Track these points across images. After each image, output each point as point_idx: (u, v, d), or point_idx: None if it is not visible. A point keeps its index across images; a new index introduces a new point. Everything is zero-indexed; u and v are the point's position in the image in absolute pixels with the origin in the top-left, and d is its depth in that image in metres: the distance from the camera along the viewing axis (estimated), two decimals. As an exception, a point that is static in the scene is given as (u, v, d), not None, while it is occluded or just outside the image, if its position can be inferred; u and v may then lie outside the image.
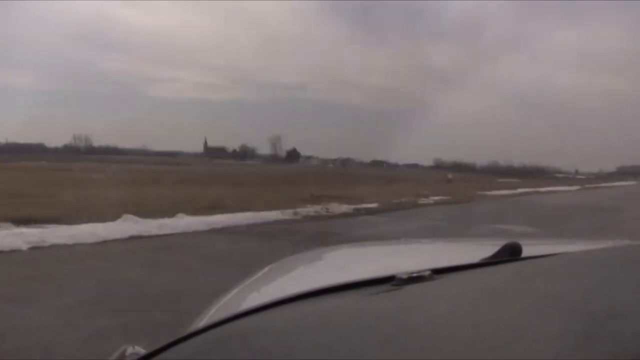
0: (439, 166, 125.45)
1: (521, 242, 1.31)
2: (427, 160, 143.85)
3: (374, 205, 21.08)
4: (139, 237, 11.94)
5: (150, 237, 12.14)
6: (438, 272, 1.11)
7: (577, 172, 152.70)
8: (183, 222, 13.77)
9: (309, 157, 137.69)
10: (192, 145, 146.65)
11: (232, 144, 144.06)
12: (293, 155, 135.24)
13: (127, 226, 12.46)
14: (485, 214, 19.86)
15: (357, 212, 19.04)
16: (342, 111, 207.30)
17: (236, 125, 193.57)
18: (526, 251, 1.28)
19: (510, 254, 1.26)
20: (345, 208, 19.43)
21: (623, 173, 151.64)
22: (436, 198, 26.27)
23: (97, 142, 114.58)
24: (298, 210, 17.68)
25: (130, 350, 1.09)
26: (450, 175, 49.92)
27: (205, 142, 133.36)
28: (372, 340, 0.80)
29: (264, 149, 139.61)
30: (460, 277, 1.15)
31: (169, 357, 0.95)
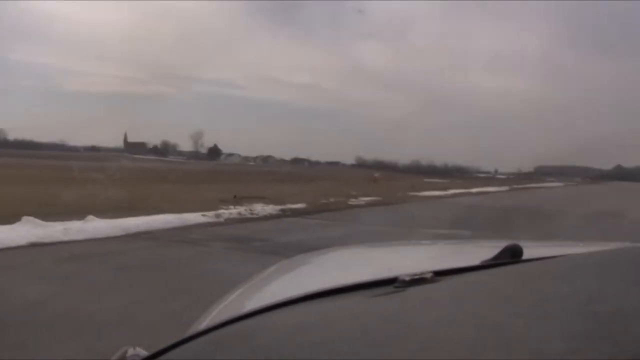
0: (360, 164, 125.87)
1: (522, 244, 1.30)
2: (348, 159, 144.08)
3: (301, 206, 19.98)
4: (40, 245, 10.36)
5: (52, 244, 10.57)
6: (440, 273, 1.12)
7: (496, 171, 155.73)
8: (92, 226, 12.20)
9: (230, 155, 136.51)
10: (112, 140, 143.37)
11: (154, 140, 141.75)
12: (214, 152, 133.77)
13: (25, 231, 10.84)
14: (422, 217, 18.89)
15: (284, 214, 17.91)
16: (264, 108, 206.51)
17: (158, 121, 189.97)
18: (527, 253, 1.27)
19: (512, 256, 1.25)
20: (270, 209, 18.23)
21: (542, 173, 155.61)
22: (366, 199, 25.21)
23: (12, 136, 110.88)
24: (220, 211, 16.41)
25: (131, 351, 1.09)
26: (376, 174, 49.26)
27: (125, 137, 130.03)
28: (375, 342, 0.81)
29: (186, 146, 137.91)
30: (462, 279, 1.14)
31: (170, 359, 0.95)
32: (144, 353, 1.05)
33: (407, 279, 1.08)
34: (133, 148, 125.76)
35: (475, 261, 1.29)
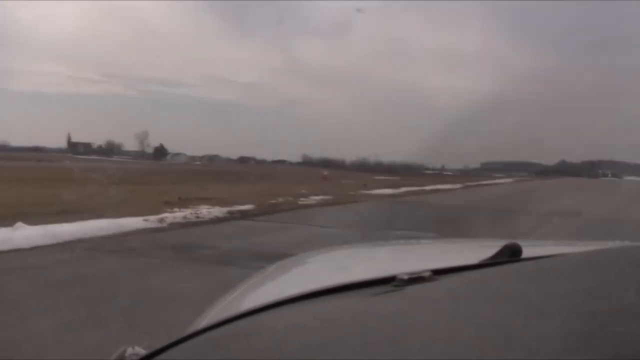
0: (306, 162, 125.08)
1: (521, 242, 1.32)
2: (294, 157, 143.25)
3: (249, 207, 18.85)
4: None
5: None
6: (438, 272, 1.13)
7: (443, 168, 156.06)
8: (21, 234, 10.89)
9: (177, 154, 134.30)
10: (56, 140, 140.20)
11: (99, 140, 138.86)
12: (160, 151, 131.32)
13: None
14: (380, 217, 17.99)
15: (232, 216, 16.77)
16: (210, 107, 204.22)
17: (104, 120, 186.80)
18: (526, 252, 1.29)
19: (511, 254, 1.27)
20: (217, 212, 17.07)
21: (488, 169, 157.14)
22: (317, 198, 24.14)
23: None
24: (164, 215, 15.23)
25: (130, 350, 1.09)
26: (325, 173, 48.32)
27: (69, 137, 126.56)
28: (373, 341, 0.82)
29: (132, 145, 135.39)
30: (461, 277, 1.16)
31: (169, 358, 0.97)
32: (142, 352, 1.05)
33: (406, 277, 1.08)
34: (77, 148, 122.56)
35: (474, 260, 1.29)
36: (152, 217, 14.56)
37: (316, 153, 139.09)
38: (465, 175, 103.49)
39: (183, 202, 18.41)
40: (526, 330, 0.74)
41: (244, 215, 17.23)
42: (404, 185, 37.60)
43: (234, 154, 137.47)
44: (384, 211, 20.44)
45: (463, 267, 1.24)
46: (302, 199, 23.41)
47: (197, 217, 16.00)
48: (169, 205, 17.48)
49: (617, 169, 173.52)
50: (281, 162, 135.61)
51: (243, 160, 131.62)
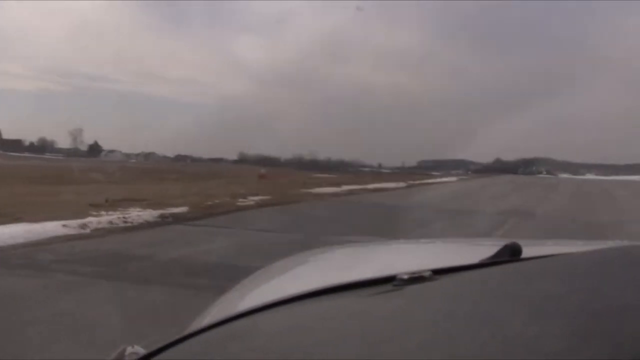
0: (243, 160, 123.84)
1: (521, 242, 1.31)
2: (231, 155, 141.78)
3: (183, 209, 17.18)
4: None
5: None
6: (438, 272, 1.12)
7: (380, 166, 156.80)
8: None
9: (111, 151, 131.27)
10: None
11: (31, 136, 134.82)
12: (95, 149, 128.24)
13: None
14: (326, 220, 16.72)
15: (163, 221, 15.09)
16: (146, 104, 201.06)
17: (37, 117, 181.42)
18: (526, 252, 1.28)
19: (511, 254, 1.26)
20: (148, 215, 15.37)
21: (424, 167, 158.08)
22: (256, 198, 22.48)
23: None
24: (87, 220, 13.38)
25: (129, 350, 1.10)
26: (263, 171, 46.59)
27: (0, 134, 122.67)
28: (373, 341, 0.82)
29: (65, 142, 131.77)
30: (461, 277, 1.15)
31: (168, 357, 0.97)
32: (142, 351, 1.05)
33: (406, 277, 1.07)
34: (8, 145, 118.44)
35: (474, 259, 1.27)
36: (73, 222, 12.75)
37: (253, 151, 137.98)
38: (403, 173, 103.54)
39: (111, 204, 16.69)
40: (526, 329, 0.74)
41: (177, 219, 15.58)
42: (345, 184, 36.20)
43: (171, 152, 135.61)
44: (331, 212, 19.06)
45: (463, 266, 1.21)
46: (240, 199, 21.79)
47: (125, 221, 14.23)
48: (96, 207, 15.69)
49: (551, 166, 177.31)
50: (218, 160, 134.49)
51: (179, 158, 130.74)
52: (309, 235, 13.14)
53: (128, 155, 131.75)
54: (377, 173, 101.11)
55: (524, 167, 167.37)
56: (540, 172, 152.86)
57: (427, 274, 1.08)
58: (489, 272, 1.18)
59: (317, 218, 17.01)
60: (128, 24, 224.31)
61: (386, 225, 15.27)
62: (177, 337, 1.01)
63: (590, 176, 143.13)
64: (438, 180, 63.01)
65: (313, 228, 14.42)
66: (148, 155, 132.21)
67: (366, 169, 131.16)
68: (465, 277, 1.15)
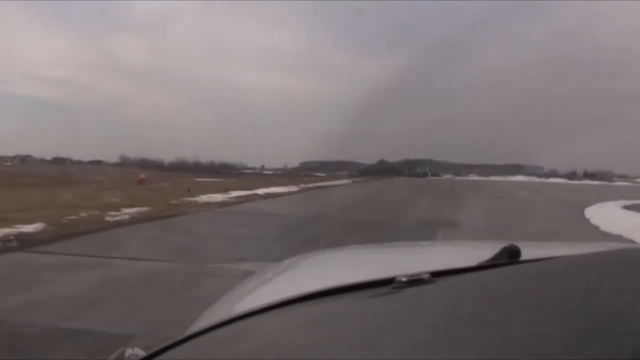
0: (125, 163, 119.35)
1: (520, 244, 1.29)
2: (112, 157, 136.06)
3: (37, 227, 13.24)
4: None
5: None
6: (437, 274, 1.12)
7: (263, 167, 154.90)
8: None
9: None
10: None
11: None
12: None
13: None
14: (217, 239, 13.13)
15: (4, 246, 11.06)
16: (23, 104, 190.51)
17: None
18: (525, 254, 1.27)
19: (509, 256, 1.25)
20: (-12, 237, 11.33)
21: (308, 168, 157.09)
22: (131, 210, 18.33)
23: None
24: None
25: (129, 351, 1.10)
26: (142, 175, 42.29)
27: None
28: (372, 343, 0.81)
29: None
30: (460, 279, 1.14)
31: (168, 359, 0.97)
32: (142, 353, 1.06)
33: (405, 279, 1.07)
34: None
35: (473, 262, 1.27)
36: None
37: (134, 153, 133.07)
38: (286, 174, 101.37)
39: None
40: (525, 332, 0.73)
41: (23, 242, 11.56)
42: (232, 189, 32.35)
43: (49, 154, 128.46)
44: (222, 229, 15.05)
45: (462, 269, 1.20)
46: (112, 212, 17.63)
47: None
48: None
49: (433, 167, 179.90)
50: (98, 162, 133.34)
51: (58, 160, 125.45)
52: (199, 263, 9.92)
53: (3, 158, 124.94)
54: (262, 175, 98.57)
55: (409, 168, 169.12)
56: (426, 174, 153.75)
57: (426, 276, 1.08)
58: (487, 275, 1.14)
59: (206, 238, 13.37)
60: (1, 23, 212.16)
61: (294, 245, 12.07)
62: (176, 339, 1.01)
63: (474, 177, 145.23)
64: (330, 183, 58.71)
65: (202, 253, 11.07)
66: (24, 158, 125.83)
67: (249, 171, 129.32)
68: (464, 279, 1.13)
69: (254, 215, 18.92)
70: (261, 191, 32.46)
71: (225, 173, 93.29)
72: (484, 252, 1.33)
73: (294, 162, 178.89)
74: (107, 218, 16.44)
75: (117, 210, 18.32)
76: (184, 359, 0.97)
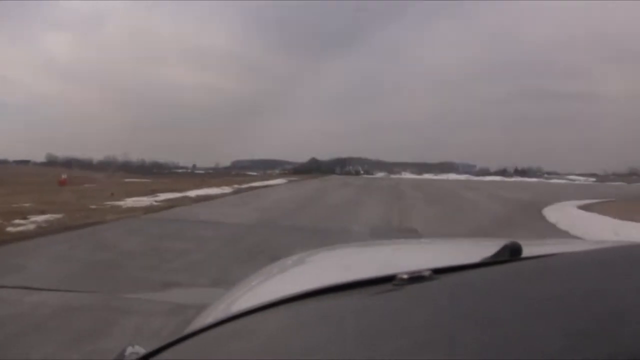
0: (52, 162, 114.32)
1: (521, 242, 1.27)
2: (39, 156, 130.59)
3: None
4: None
5: None
6: (439, 271, 1.10)
7: (194, 166, 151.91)
8: None
9: None
10: None
11: None
12: None
13: None
14: (136, 259, 10.22)
15: None
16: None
17: None
18: (526, 251, 1.25)
19: (511, 254, 1.23)
20: None
21: (238, 167, 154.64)
22: (41, 218, 15.46)
23: None
24: None
25: (130, 349, 1.10)
26: (64, 176, 38.97)
27: None
28: (373, 340, 0.81)
29: None
30: (461, 276, 1.12)
31: (169, 357, 0.97)
32: (142, 351, 1.05)
33: (406, 276, 1.05)
34: None
35: (474, 259, 1.24)
36: None
37: (63, 152, 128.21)
38: (218, 174, 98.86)
39: None
40: (526, 329, 0.73)
41: None
42: (161, 191, 29.25)
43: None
44: (144, 244, 11.92)
45: (463, 266, 1.17)
46: (17, 220, 14.75)
47: None
48: None
49: (365, 165, 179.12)
50: (25, 162, 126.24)
51: None
52: (112, 292, 7.44)
53: None
54: (194, 175, 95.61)
55: (341, 166, 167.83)
56: (359, 172, 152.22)
57: (427, 273, 1.06)
58: (489, 272, 1.13)
59: (124, 255, 10.50)
60: None
61: (232, 263, 9.67)
62: (176, 337, 1.01)
63: (408, 175, 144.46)
64: (264, 182, 53.92)
65: (118, 277, 8.47)
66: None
67: (181, 170, 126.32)
68: (465, 276, 1.11)
69: (184, 224, 15.68)
70: (192, 193, 29.08)
71: (156, 173, 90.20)
72: (485, 249, 1.28)
73: (225, 161, 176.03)
74: (9, 228, 13.52)
75: (25, 217, 15.42)
76: (184, 358, 0.96)
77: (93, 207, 19.95)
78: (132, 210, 19.47)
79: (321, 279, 1.24)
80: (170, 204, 22.41)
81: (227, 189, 35.44)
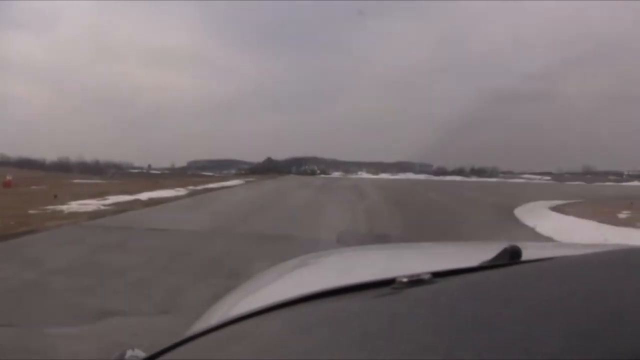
0: (4, 163, 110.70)
1: (520, 245, 1.25)
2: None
3: None
4: None
5: None
6: (438, 275, 1.10)
7: (150, 167, 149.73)
8: None
9: None
10: None
11: None
12: None
13: None
14: (67, 277, 8.30)
15: None
16: None
17: None
18: (526, 254, 1.23)
19: (510, 257, 1.21)
20: None
21: (194, 167, 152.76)
22: None
23: None
24: None
25: (129, 353, 1.08)
26: (9, 177, 36.58)
27: None
28: (373, 343, 0.80)
29: None
30: (461, 280, 1.10)
31: None
32: (142, 354, 1.04)
33: (405, 280, 1.05)
34: None
35: (473, 262, 1.23)
36: None
37: (15, 152, 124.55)
38: (174, 174, 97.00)
39: None
40: (526, 332, 0.72)
41: None
42: (111, 193, 26.63)
43: None
44: (80, 258, 9.88)
45: (463, 269, 1.16)
46: None
47: None
48: None
49: (321, 164, 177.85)
50: None
51: None
52: (28, 327, 5.66)
53: None
54: (148, 175, 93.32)
55: (297, 166, 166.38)
56: (315, 172, 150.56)
57: (426, 276, 1.06)
58: (488, 275, 1.12)
59: (52, 276, 8.35)
60: None
61: (186, 282, 7.98)
62: (177, 340, 0.99)
63: (364, 175, 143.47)
64: (221, 183, 50.66)
65: (40, 308, 6.61)
66: None
67: (136, 171, 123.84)
68: (465, 279, 1.10)
69: (132, 232, 13.55)
70: (145, 195, 26.55)
71: (111, 173, 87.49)
72: (485, 252, 1.27)
73: (181, 161, 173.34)
74: None
75: (-53, 226, 13.35)
76: None
77: (32, 211, 17.70)
78: (75, 215, 17.20)
79: (321, 282, 1.23)
80: (119, 208, 20.03)
81: (181, 191, 32.92)
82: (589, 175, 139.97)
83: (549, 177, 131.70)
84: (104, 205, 21.08)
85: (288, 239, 12.43)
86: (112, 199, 23.53)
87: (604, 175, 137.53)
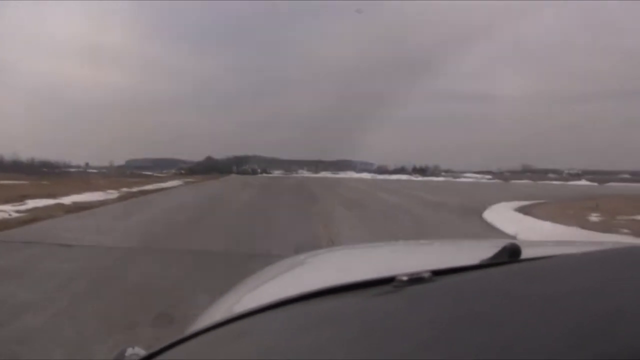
0: None
1: (520, 243, 1.25)
2: None
3: None
4: None
5: None
6: (438, 273, 1.08)
7: (87, 165, 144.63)
8: None
9: None
10: None
11: None
12: None
13: None
14: None
15: None
16: None
17: None
18: (525, 253, 1.22)
19: (510, 255, 1.19)
20: None
21: (134, 166, 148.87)
22: None
23: None
24: None
25: (130, 351, 1.07)
26: None
27: None
28: (373, 341, 0.80)
29: None
30: (460, 278, 1.09)
31: (168, 358, 0.95)
32: (142, 352, 1.03)
33: (405, 278, 1.03)
34: None
35: (473, 260, 1.21)
36: None
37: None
38: (111, 174, 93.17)
39: None
40: (526, 330, 0.71)
41: None
42: (31, 196, 22.68)
43: None
44: None
45: (463, 267, 1.14)
46: None
47: None
48: None
49: (261, 163, 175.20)
50: None
51: None
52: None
53: None
54: (84, 174, 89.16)
55: (237, 165, 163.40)
56: (256, 171, 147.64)
57: (426, 274, 1.04)
58: (488, 273, 1.11)
59: None
60: None
61: (102, 333, 5.55)
62: (177, 338, 0.99)
63: (305, 173, 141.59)
64: (159, 185, 46.06)
65: None
66: None
67: (73, 170, 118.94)
68: (464, 278, 1.09)
69: (43, 249, 10.79)
70: (69, 199, 23.04)
71: (47, 172, 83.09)
72: (485, 250, 1.25)
73: (120, 160, 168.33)
74: None
75: None
76: (185, 359, 0.94)
77: None
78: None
79: (321, 281, 1.21)
80: (35, 216, 16.70)
81: (113, 194, 29.26)
82: (529, 173, 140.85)
83: (489, 176, 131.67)
84: (18, 211, 17.78)
85: (233, 256, 10.08)
86: (32, 204, 20.24)
87: (543, 174, 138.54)
